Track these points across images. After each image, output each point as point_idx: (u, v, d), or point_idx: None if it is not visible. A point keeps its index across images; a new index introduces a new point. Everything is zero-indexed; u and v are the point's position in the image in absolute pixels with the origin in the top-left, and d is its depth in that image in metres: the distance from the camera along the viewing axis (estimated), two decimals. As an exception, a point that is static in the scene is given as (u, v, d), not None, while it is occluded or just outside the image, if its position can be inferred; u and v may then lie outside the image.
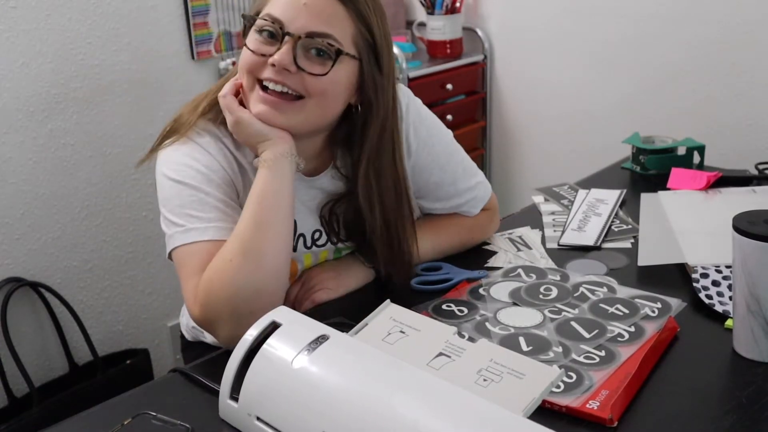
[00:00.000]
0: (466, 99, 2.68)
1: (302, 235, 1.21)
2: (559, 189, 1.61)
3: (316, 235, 1.23)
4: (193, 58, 2.26)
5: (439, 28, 2.62)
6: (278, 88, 1.08)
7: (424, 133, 1.25)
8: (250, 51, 1.09)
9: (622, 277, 1.23)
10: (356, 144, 1.16)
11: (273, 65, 1.07)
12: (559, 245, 1.36)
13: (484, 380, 0.88)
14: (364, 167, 1.15)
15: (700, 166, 1.69)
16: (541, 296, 1.16)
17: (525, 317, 1.11)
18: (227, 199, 1.12)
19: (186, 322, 1.38)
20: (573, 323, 1.08)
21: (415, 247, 1.23)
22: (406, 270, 1.23)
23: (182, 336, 1.41)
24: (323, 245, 1.24)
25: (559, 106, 2.55)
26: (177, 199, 1.10)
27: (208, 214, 1.09)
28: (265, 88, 1.09)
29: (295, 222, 1.19)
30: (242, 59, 1.11)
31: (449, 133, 1.31)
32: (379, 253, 1.20)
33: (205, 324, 1.07)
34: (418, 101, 1.28)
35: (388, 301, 1.03)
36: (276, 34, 1.08)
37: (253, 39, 1.10)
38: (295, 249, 1.21)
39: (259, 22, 1.10)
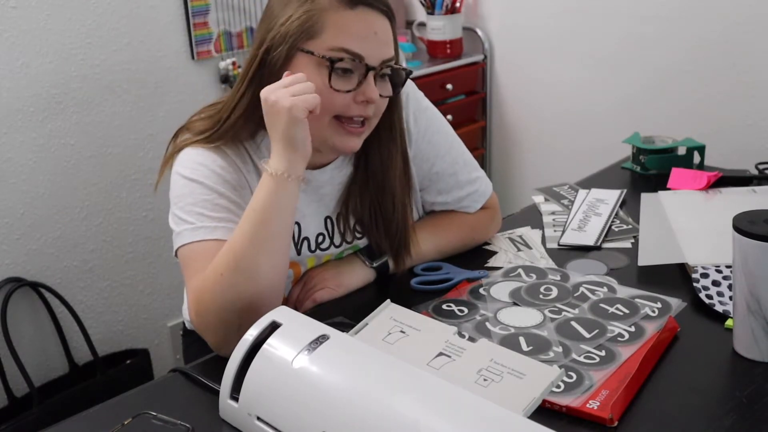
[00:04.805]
0: (466, 99, 2.68)
1: (306, 238, 1.21)
2: (559, 189, 1.61)
3: (320, 238, 1.23)
4: (193, 58, 2.26)
5: (439, 28, 2.62)
6: (361, 119, 1.10)
7: (424, 123, 1.27)
8: (335, 91, 1.07)
9: (622, 277, 1.23)
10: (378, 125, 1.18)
11: (366, 102, 1.08)
12: (559, 245, 1.36)
13: (485, 380, 0.88)
14: (385, 143, 1.18)
15: (700, 166, 1.69)
16: (541, 296, 1.16)
17: (525, 317, 1.11)
18: (240, 201, 1.11)
19: (186, 309, 1.38)
20: (573, 323, 1.08)
21: (414, 228, 1.26)
22: (408, 247, 1.24)
23: (183, 323, 1.41)
24: (327, 249, 1.24)
25: (559, 106, 2.55)
26: (189, 197, 1.10)
27: (219, 214, 1.09)
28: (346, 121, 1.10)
29: (300, 226, 1.20)
30: (327, 101, 1.06)
31: (449, 125, 1.32)
32: (387, 232, 1.21)
33: (197, 329, 1.07)
34: (420, 93, 1.29)
35: (388, 301, 1.03)
36: (354, 69, 1.08)
37: (334, 79, 1.07)
38: (299, 253, 1.21)
39: (341, 62, 1.06)
